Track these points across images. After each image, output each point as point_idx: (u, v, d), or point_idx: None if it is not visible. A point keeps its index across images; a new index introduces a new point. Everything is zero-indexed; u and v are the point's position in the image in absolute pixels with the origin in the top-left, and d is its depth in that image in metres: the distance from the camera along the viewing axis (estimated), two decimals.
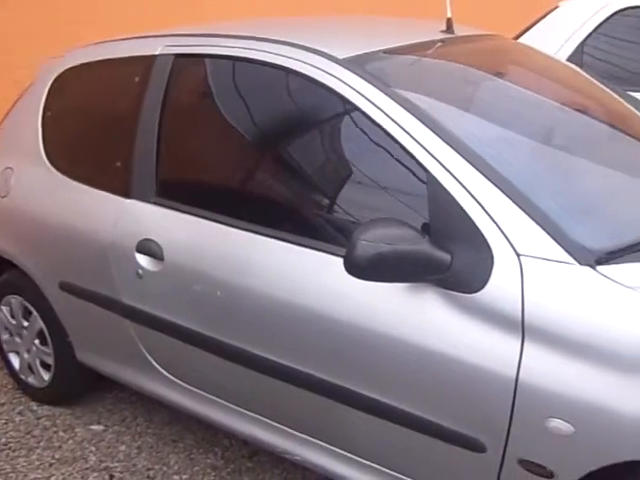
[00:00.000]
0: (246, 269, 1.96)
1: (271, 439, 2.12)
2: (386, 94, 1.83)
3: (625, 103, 2.45)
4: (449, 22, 2.28)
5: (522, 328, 1.56)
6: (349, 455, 1.95)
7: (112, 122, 2.39)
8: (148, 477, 2.38)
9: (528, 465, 1.61)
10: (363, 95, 1.84)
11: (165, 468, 2.41)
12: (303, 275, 1.87)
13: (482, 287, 1.60)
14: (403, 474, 1.86)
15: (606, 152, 2.07)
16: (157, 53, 2.25)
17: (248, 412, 2.13)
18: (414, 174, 1.75)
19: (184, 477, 2.38)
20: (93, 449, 2.51)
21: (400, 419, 1.77)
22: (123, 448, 2.51)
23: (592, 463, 1.52)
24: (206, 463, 2.43)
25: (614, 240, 1.62)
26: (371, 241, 1.60)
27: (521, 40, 3.48)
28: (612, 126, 2.29)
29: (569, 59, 3.44)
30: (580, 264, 1.55)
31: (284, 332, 1.91)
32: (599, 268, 1.54)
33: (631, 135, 2.27)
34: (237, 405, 2.15)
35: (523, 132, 1.99)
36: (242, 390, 2.12)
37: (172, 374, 2.28)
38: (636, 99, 2.69)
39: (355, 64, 1.92)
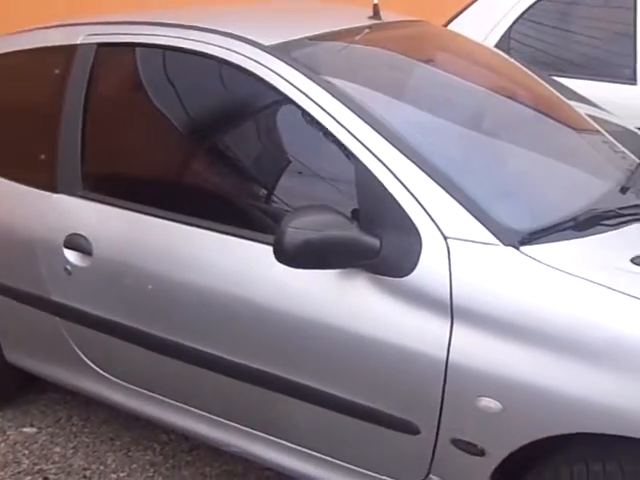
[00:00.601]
0: (180, 262, 1.93)
1: (209, 432, 2.10)
2: (312, 81, 1.82)
3: (550, 88, 2.51)
4: (376, 8, 2.29)
5: (451, 310, 1.58)
6: (286, 444, 1.95)
7: (34, 115, 2.31)
8: (84, 477, 2.32)
9: (460, 444, 1.64)
10: (290, 82, 1.83)
11: (102, 467, 2.36)
12: (236, 266, 1.85)
13: (411, 271, 1.62)
14: (340, 459, 1.87)
15: (530, 136, 2.11)
16: (78, 42, 2.19)
17: (185, 406, 2.10)
18: (342, 160, 1.75)
19: (122, 475, 2.33)
20: (26, 452, 2.44)
21: (335, 405, 1.78)
22: (58, 449, 2.45)
23: (521, 439, 1.55)
24: (144, 460, 2.39)
25: (537, 221, 1.66)
26: (299, 228, 1.59)
27: (450, 27, 3.52)
28: (537, 110, 2.34)
29: (497, 45, 3.49)
30: (504, 245, 1.58)
31: (218, 324, 1.89)
32: (522, 248, 1.58)
33: (555, 119, 2.33)
34: (174, 400, 2.12)
35: (449, 117, 2.01)
36: (178, 384, 2.09)
37: (106, 371, 2.23)
38: (560, 84, 2.76)
39: (281, 51, 1.91)
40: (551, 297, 1.51)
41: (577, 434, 1.49)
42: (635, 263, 1.55)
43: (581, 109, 2.44)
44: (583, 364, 1.45)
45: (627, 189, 1.86)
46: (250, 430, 2.00)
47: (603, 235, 1.65)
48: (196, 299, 1.89)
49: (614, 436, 1.46)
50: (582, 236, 1.63)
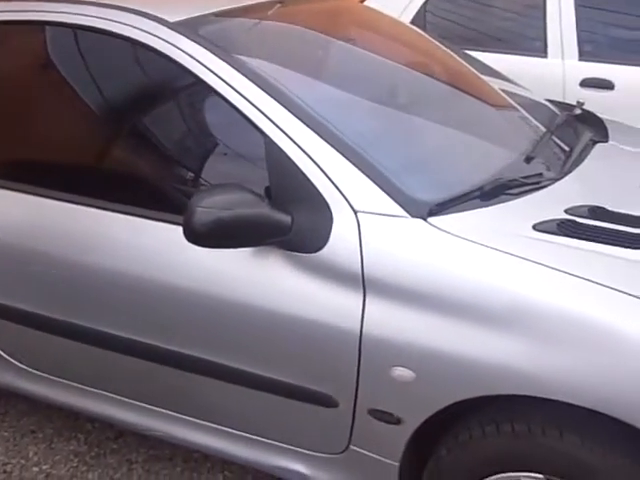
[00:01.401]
0: (89, 246, 1.89)
1: (132, 418, 2.07)
2: (219, 57, 1.79)
3: (462, 62, 2.54)
4: None
5: (363, 283, 1.60)
6: (210, 425, 1.94)
7: None
8: (5, 472, 2.26)
9: (377, 414, 1.67)
10: (196, 59, 1.79)
11: (23, 461, 2.30)
12: (148, 247, 1.82)
13: (323, 246, 1.62)
14: (262, 437, 1.88)
15: (440, 110, 2.14)
16: None
17: (105, 393, 2.06)
18: (252, 138, 1.73)
19: (44, 467, 2.28)
20: None
21: (254, 383, 1.78)
22: None
23: (434, 405, 1.59)
24: (68, 450, 2.35)
25: (444, 192, 1.68)
26: (209, 207, 1.57)
27: (367, 3, 3.53)
28: (448, 85, 2.38)
29: (413, 20, 3.52)
30: (412, 216, 1.60)
31: (132, 307, 1.86)
32: (430, 219, 1.60)
33: (465, 92, 2.36)
34: (93, 387, 2.08)
35: (359, 93, 2.02)
36: (96, 371, 2.05)
37: (22, 362, 2.16)
38: (474, 58, 2.81)
39: (186, 27, 1.87)
40: (457, 265, 1.54)
41: (488, 397, 1.54)
42: (537, 230, 1.60)
43: (494, 83, 2.49)
44: (490, 329, 1.49)
45: (532, 159, 1.91)
46: (172, 413, 1.98)
47: (507, 204, 1.69)
48: (107, 283, 1.85)
49: (522, 397, 1.51)
50: (487, 205, 1.67)
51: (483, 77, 2.49)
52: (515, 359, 1.47)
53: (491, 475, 1.61)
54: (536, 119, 2.27)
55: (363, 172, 1.65)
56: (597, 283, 1.47)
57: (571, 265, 1.50)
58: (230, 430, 1.93)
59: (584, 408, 1.45)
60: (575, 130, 2.22)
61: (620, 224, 1.65)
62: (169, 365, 1.87)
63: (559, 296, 1.46)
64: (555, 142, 2.10)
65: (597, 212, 1.70)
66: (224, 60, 1.79)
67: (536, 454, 1.54)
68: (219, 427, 1.94)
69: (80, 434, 2.42)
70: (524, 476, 1.57)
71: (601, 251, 1.55)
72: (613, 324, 1.42)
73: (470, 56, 2.79)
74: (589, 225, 1.64)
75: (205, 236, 1.59)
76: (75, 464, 2.30)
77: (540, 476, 1.54)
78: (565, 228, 1.61)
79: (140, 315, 1.86)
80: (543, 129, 2.18)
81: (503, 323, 1.48)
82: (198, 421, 1.96)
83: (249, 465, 2.10)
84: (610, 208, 1.72)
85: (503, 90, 2.45)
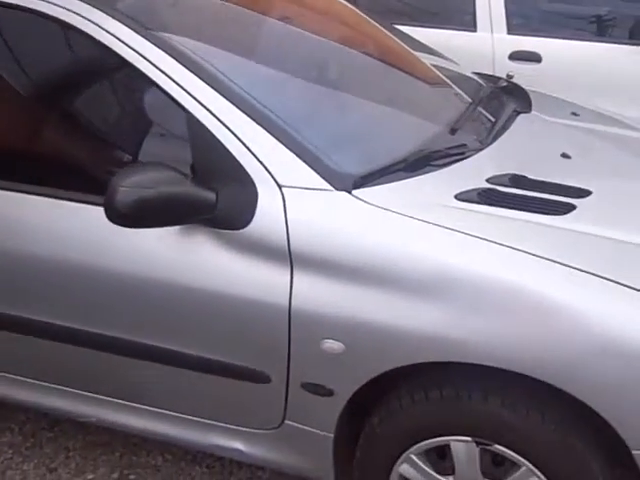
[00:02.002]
0: (9, 230, 1.83)
1: (65, 405, 2.03)
2: (137, 32, 1.74)
3: (391, 37, 2.55)
4: None
5: (290, 257, 1.60)
6: (145, 407, 1.92)
7: None
8: None
9: (310, 387, 1.68)
10: (113, 35, 1.74)
11: None
12: (71, 230, 1.78)
13: (249, 222, 1.62)
14: (198, 416, 1.87)
15: (366, 84, 2.14)
16: None
17: (37, 382, 2.02)
18: (174, 115, 1.71)
19: None
20: None
21: (186, 363, 1.76)
22: None
23: (365, 375, 1.61)
24: (2, 442, 2.29)
25: (368, 165, 1.69)
26: (131, 186, 1.54)
27: None
28: (375, 59, 2.38)
29: None
30: (337, 190, 1.61)
31: (56, 291, 1.81)
32: (355, 192, 1.61)
33: (392, 66, 2.38)
34: (24, 376, 2.03)
35: (284, 67, 2.01)
36: (24, 359, 1.99)
37: None
38: (402, 32, 2.82)
39: (103, 2, 1.82)
40: (381, 236, 1.55)
41: (417, 365, 1.56)
42: (459, 199, 1.63)
43: (423, 58, 2.51)
44: (415, 298, 1.51)
45: (456, 130, 1.93)
46: (106, 398, 1.96)
47: (431, 174, 1.71)
48: (29, 268, 1.80)
49: (449, 363, 1.54)
50: (411, 177, 1.69)
51: (411, 51, 2.50)
52: (441, 327, 1.50)
53: (422, 441, 1.64)
54: (463, 92, 2.30)
55: (287, 146, 1.65)
56: (518, 250, 1.50)
57: (492, 232, 1.53)
58: (166, 412, 1.91)
59: (507, 371, 1.48)
60: (500, 102, 2.26)
61: (540, 191, 1.69)
62: (98, 349, 1.83)
63: (481, 263, 1.49)
64: (480, 113, 2.13)
65: (518, 180, 1.73)
66: (142, 35, 1.74)
67: (463, 418, 1.58)
68: (155, 409, 1.92)
69: (14, 425, 2.36)
70: (453, 440, 1.60)
71: (521, 218, 1.59)
72: (534, 289, 1.46)
73: (399, 30, 2.80)
74: (510, 193, 1.67)
75: (128, 216, 1.57)
76: (10, 456, 2.25)
77: (468, 439, 1.58)
78: (486, 197, 1.64)
79: (65, 299, 1.82)
80: (469, 101, 2.21)
81: (428, 292, 1.50)
82: (133, 404, 1.94)
83: (188, 446, 2.10)
84: (531, 176, 1.76)
85: (431, 64, 2.47)
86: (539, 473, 1.55)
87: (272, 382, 1.71)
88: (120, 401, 1.94)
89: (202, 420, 1.88)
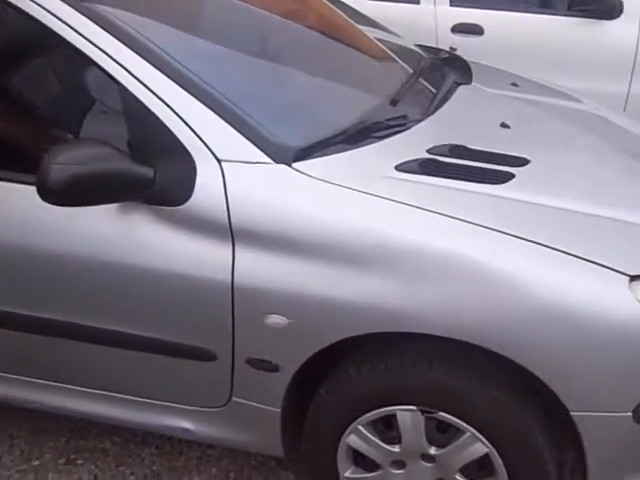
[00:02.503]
0: None
1: (6, 392, 1.98)
2: (72, 7, 1.68)
3: (333, 9, 2.52)
4: None
5: (231, 232, 1.57)
6: (90, 391, 1.89)
7: None
8: None
9: (256, 363, 1.67)
10: (47, 9, 1.67)
11: None
12: (6, 211, 1.73)
13: (188, 198, 1.59)
14: (144, 397, 1.85)
15: (306, 58, 2.12)
16: None
17: None
18: (109, 89, 1.66)
19: None
20: None
21: (129, 344, 1.74)
22: None
23: (310, 349, 1.60)
24: None
25: (308, 137, 1.67)
26: (64, 164, 1.50)
27: None
28: (316, 32, 2.35)
29: None
30: (277, 163, 1.59)
31: None
32: (295, 165, 1.60)
33: (334, 40, 2.35)
34: None
35: (222, 40, 1.97)
36: None
37: None
38: (345, 4, 2.79)
39: None
40: (322, 209, 1.54)
41: (362, 336, 1.56)
42: (399, 170, 1.63)
43: (365, 30, 2.49)
44: (358, 270, 1.51)
45: (397, 101, 1.93)
46: (50, 383, 1.91)
47: (371, 146, 1.71)
48: None
49: (394, 334, 1.55)
50: (351, 148, 1.68)
51: (354, 24, 2.48)
52: (383, 298, 1.50)
53: (368, 411, 1.65)
54: (405, 64, 2.29)
55: (226, 120, 1.62)
56: (457, 218, 1.51)
57: (432, 202, 1.54)
58: (112, 394, 1.88)
59: (449, 339, 1.50)
60: (441, 73, 2.26)
61: (479, 161, 1.70)
62: (39, 333, 1.79)
63: (420, 233, 1.50)
64: (421, 85, 2.13)
65: (457, 150, 1.74)
66: (75, 8, 1.68)
67: (408, 387, 1.60)
68: (100, 392, 1.89)
69: None
70: (399, 409, 1.62)
71: (461, 187, 1.60)
72: (473, 257, 1.47)
73: (341, 2, 2.78)
74: (450, 163, 1.68)
75: (62, 194, 1.52)
76: None
77: (413, 408, 1.60)
78: (426, 167, 1.65)
79: (2, 282, 1.76)
80: (411, 73, 2.21)
81: (370, 263, 1.50)
82: (78, 388, 1.90)
83: (136, 428, 2.07)
84: (470, 146, 1.77)
85: (373, 37, 2.46)
86: (483, 438, 1.58)
87: (217, 359, 1.69)
88: (64, 385, 1.90)
89: (149, 401, 1.86)
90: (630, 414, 1.47)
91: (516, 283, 1.44)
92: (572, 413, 1.50)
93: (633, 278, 1.45)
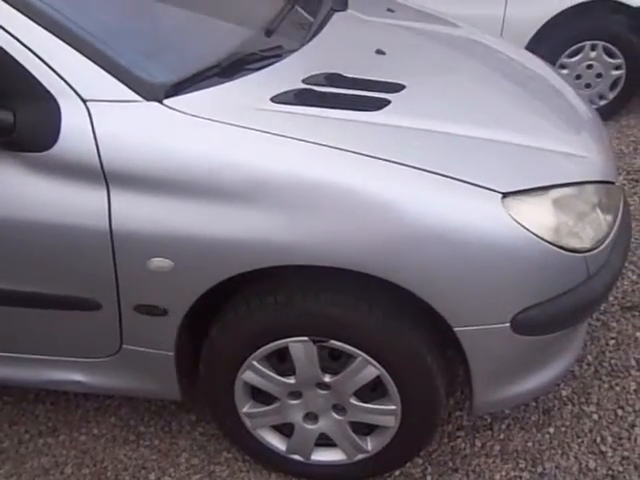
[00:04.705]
0: None
1: None
2: None
3: None
4: None
5: (104, 177, 1.51)
6: None
7: None
8: None
9: (143, 309, 1.63)
10: None
11: None
12: None
13: (54, 143, 1.50)
14: (32, 354, 1.79)
15: None
16: None
17: None
18: None
19: None
20: None
21: (10, 300, 1.66)
22: None
23: (196, 291, 1.58)
24: None
25: (179, 73, 1.60)
26: None
27: None
28: None
29: None
30: (147, 100, 1.52)
31: None
32: (166, 101, 1.53)
33: None
34: None
35: None
36: None
37: None
38: None
39: None
40: (197, 145, 1.49)
41: (249, 273, 1.55)
42: (274, 101, 1.59)
43: None
44: (238, 206, 1.48)
45: (272, 32, 1.88)
46: None
47: (245, 78, 1.66)
48: None
49: (280, 267, 1.54)
50: (225, 82, 1.62)
51: None
52: (266, 232, 1.49)
53: (261, 346, 1.66)
54: None
55: (89, 58, 1.52)
56: (331, 147, 1.50)
57: (308, 133, 1.52)
58: None
59: (333, 268, 1.51)
60: (317, 1, 2.21)
61: (355, 89, 1.69)
62: None
63: (297, 164, 1.48)
64: (297, 14, 2.08)
65: (333, 79, 1.72)
66: None
67: (298, 319, 1.61)
68: None
69: None
70: (291, 341, 1.63)
71: (336, 116, 1.58)
72: (349, 185, 1.46)
73: None
74: (325, 92, 1.66)
75: None
76: None
77: (305, 339, 1.62)
78: (302, 97, 1.62)
79: None
80: (286, 1, 2.15)
81: (248, 198, 1.48)
82: None
83: (26, 386, 2.01)
84: (346, 74, 1.75)
85: None
86: (373, 361, 1.62)
87: (103, 308, 1.65)
88: None
89: (37, 357, 1.80)
90: (508, 325, 1.55)
91: (391, 207, 1.45)
92: (455, 329, 1.56)
93: (505, 195, 1.50)
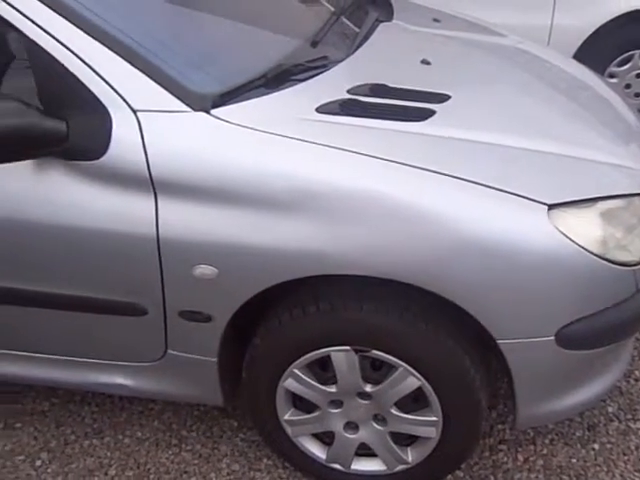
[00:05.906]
0: None
1: None
2: None
3: None
4: None
5: (152, 185, 1.54)
6: (24, 354, 1.86)
7: None
8: None
9: (188, 315, 1.66)
10: None
11: None
12: None
13: (105, 151, 1.54)
14: (79, 357, 1.83)
15: (223, 2, 2.05)
16: None
17: None
18: (15, 42, 1.58)
19: None
20: None
21: (59, 304, 1.71)
22: None
23: (240, 298, 1.60)
24: None
25: (226, 83, 1.63)
26: None
27: None
28: None
29: None
30: (195, 110, 1.55)
31: None
32: (214, 112, 1.56)
33: None
34: None
35: None
36: None
37: None
38: None
39: None
40: (244, 155, 1.52)
41: (292, 282, 1.57)
42: (320, 112, 1.60)
43: None
44: (283, 215, 1.50)
45: (317, 42, 1.89)
46: None
47: (292, 89, 1.68)
48: None
49: (323, 277, 1.55)
50: (271, 92, 1.64)
51: None
52: (311, 242, 1.50)
53: (303, 355, 1.67)
54: (326, 3, 2.25)
55: (139, 69, 1.56)
56: (378, 158, 1.51)
57: (353, 143, 1.53)
58: (46, 356, 1.86)
59: (378, 278, 1.51)
60: (363, 11, 2.22)
61: (400, 99, 1.69)
62: None
63: (343, 175, 1.49)
64: (343, 24, 2.09)
65: (378, 89, 1.73)
66: None
67: (341, 328, 1.61)
68: (34, 355, 1.86)
69: None
70: (333, 350, 1.64)
71: (381, 127, 1.59)
72: (395, 196, 1.47)
73: None
74: (370, 102, 1.67)
75: None
76: None
77: (347, 348, 1.62)
78: (347, 107, 1.63)
79: None
80: (332, 12, 2.16)
81: (294, 208, 1.49)
82: (10, 352, 1.86)
83: (73, 388, 2.06)
84: (391, 84, 1.75)
85: None
86: (415, 372, 1.62)
87: (149, 314, 1.68)
88: (6, 351, 1.86)
89: (84, 360, 1.84)
90: (553, 338, 1.53)
91: (438, 219, 1.45)
92: (499, 342, 1.54)
93: (551, 207, 1.48)
